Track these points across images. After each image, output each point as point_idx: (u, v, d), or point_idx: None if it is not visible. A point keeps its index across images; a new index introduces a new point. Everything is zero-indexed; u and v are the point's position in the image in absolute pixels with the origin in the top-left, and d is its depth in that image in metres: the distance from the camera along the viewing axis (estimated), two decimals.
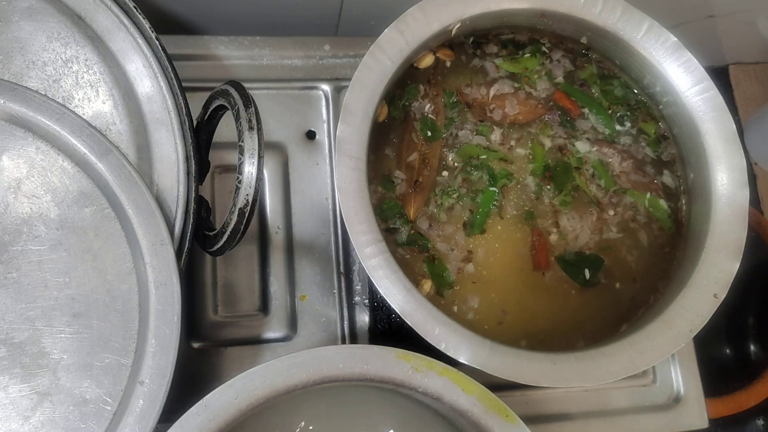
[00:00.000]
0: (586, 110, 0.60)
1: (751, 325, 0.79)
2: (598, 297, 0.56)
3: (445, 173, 0.57)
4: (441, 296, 0.54)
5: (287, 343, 0.62)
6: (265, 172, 0.65)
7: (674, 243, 0.58)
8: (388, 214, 0.55)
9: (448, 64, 0.59)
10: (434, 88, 0.58)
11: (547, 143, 0.59)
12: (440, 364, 0.47)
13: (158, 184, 0.49)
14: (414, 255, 0.55)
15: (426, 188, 0.56)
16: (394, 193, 0.56)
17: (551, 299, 0.56)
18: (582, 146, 0.59)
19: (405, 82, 0.58)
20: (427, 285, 0.53)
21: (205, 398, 0.44)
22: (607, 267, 0.57)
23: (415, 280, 0.53)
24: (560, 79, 0.61)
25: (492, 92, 0.59)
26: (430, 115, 0.58)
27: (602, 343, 0.51)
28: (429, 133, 0.57)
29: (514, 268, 0.56)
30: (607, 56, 0.61)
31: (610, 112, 0.60)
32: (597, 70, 0.61)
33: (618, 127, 0.60)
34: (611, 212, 0.58)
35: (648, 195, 0.58)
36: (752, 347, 0.78)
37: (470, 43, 0.60)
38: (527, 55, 0.60)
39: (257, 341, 0.62)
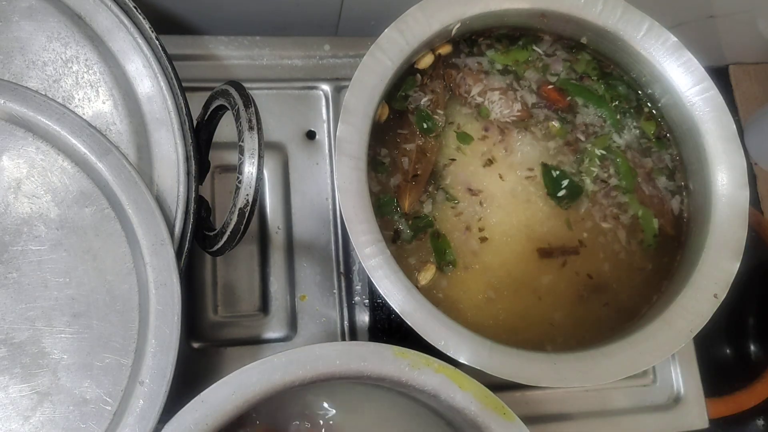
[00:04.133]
0: (581, 102, 0.60)
1: (751, 325, 0.79)
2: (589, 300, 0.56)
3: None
4: (441, 271, 0.54)
5: (287, 343, 0.62)
6: (265, 172, 0.65)
7: (671, 246, 0.58)
8: (384, 210, 0.55)
9: (442, 52, 0.59)
10: (434, 81, 0.58)
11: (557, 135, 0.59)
12: (437, 361, 0.47)
13: (158, 184, 0.49)
14: (419, 243, 0.55)
15: (422, 181, 0.56)
16: (385, 175, 0.56)
17: (551, 293, 0.56)
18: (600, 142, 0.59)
19: (404, 79, 0.58)
20: (431, 270, 0.53)
21: (201, 394, 0.44)
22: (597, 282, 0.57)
23: (420, 265, 0.53)
24: (558, 74, 0.61)
25: (481, 85, 0.59)
26: (426, 108, 0.58)
27: (601, 343, 0.51)
28: (425, 126, 0.57)
29: (519, 253, 0.56)
30: (607, 56, 0.61)
31: (613, 105, 0.60)
32: (591, 58, 0.61)
33: (618, 117, 0.60)
34: (604, 202, 0.58)
35: (641, 210, 0.58)
36: (752, 347, 0.78)
37: (465, 40, 0.60)
38: (518, 44, 0.60)
39: (257, 341, 0.62)
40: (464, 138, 0.57)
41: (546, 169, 0.58)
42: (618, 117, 0.60)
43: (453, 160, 0.57)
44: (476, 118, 0.58)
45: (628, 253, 0.57)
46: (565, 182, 0.58)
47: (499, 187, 0.57)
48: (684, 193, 0.59)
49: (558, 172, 0.58)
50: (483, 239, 0.55)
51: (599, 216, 0.58)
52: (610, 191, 0.58)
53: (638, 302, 0.56)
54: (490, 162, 0.57)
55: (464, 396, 0.47)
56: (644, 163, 0.59)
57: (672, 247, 0.58)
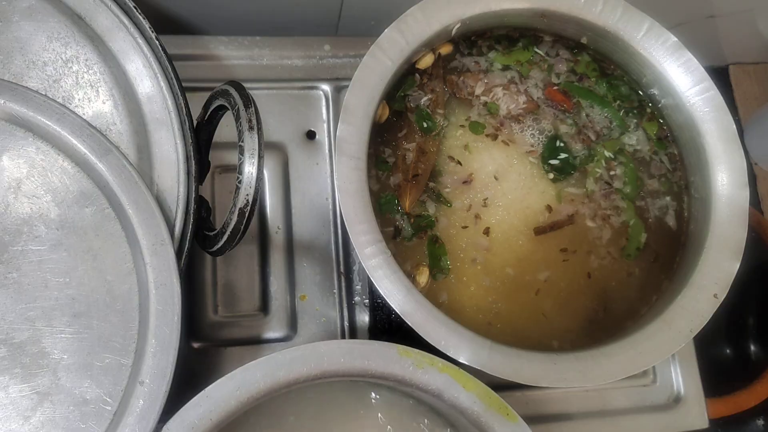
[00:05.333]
0: (585, 103, 0.60)
1: (751, 325, 0.78)
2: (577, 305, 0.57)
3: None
4: (434, 279, 0.54)
5: (287, 343, 0.62)
6: (265, 172, 0.65)
7: (648, 261, 0.58)
8: (385, 208, 0.55)
9: (442, 52, 0.59)
10: (433, 80, 0.58)
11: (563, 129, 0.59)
12: (441, 360, 0.47)
13: (158, 184, 0.49)
14: (417, 243, 0.55)
15: (422, 180, 0.56)
16: (386, 174, 0.56)
17: (544, 297, 0.56)
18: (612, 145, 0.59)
19: (404, 79, 0.58)
20: (425, 274, 0.53)
21: (206, 389, 0.44)
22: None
23: (413, 269, 0.53)
24: (560, 74, 0.61)
25: (483, 85, 0.59)
26: (426, 108, 0.58)
27: (601, 343, 0.51)
28: (425, 125, 0.57)
29: (519, 249, 0.56)
30: (608, 56, 0.61)
31: (616, 105, 0.60)
32: (590, 59, 0.61)
33: (622, 116, 0.60)
34: (602, 202, 0.58)
35: (634, 220, 0.58)
36: (752, 347, 0.78)
37: (464, 40, 0.60)
38: (519, 45, 0.60)
39: (257, 341, 0.62)
40: (476, 127, 0.58)
41: (552, 137, 0.58)
42: (622, 117, 0.60)
43: (459, 163, 0.57)
44: (485, 117, 0.58)
45: (611, 258, 0.57)
46: (563, 155, 0.58)
47: (506, 179, 0.57)
48: (684, 212, 0.59)
49: (562, 144, 0.58)
50: (486, 231, 0.55)
51: (589, 213, 0.58)
52: (610, 194, 0.58)
53: (638, 302, 0.56)
54: (494, 138, 0.58)
55: (468, 396, 0.47)
56: (650, 183, 0.59)
57: (648, 261, 0.57)
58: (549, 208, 0.57)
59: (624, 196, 0.58)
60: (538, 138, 0.59)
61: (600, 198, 0.58)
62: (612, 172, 0.59)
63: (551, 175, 0.58)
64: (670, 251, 0.58)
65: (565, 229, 0.57)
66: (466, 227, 0.56)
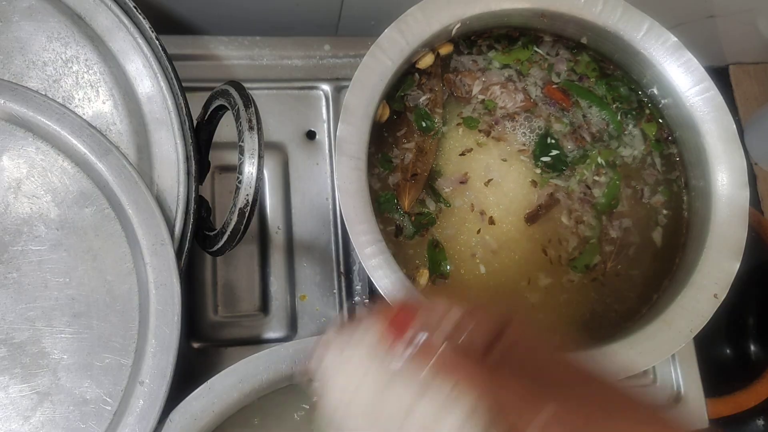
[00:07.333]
0: (584, 103, 0.60)
1: (751, 325, 0.78)
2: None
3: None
4: (434, 285, 0.54)
5: (287, 343, 0.62)
6: (265, 172, 0.65)
7: (673, 247, 0.58)
8: (385, 207, 0.55)
9: (442, 52, 0.59)
10: (432, 79, 0.58)
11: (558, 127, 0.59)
12: None
13: (158, 184, 0.49)
14: (418, 242, 0.55)
15: (421, 180, 0.56)
16: (387, 173, 0.56)
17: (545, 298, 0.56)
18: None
19: (404, 78, 0.58)
20: (425, 276, 0.53)
21: (209, 381, 0.44)
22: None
23: (413, 271, 0.53)
24: (561, 74, 0.61)
25: (480, 84, 0.59)
26: (424, 107, 0.58)
27: (601, 343, 0.51)
28: (423, 124, 0.57)
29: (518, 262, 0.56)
30: (608, 57, 0.61)
31: (614, 106, 0.60)
32: (590, 59, 0.61)
33: (619, 119, 0.60)
34: (577, 206, 0.58)
35: (595, 239, 0.58)
36: (752, 347, 0.78)
37: (464, 40, 0.60)
38: (519, 44, 0.60)
39: (257, 341, 0.62)
40: (470, 122, 0.58)
41: (543, 134, 0.58)
42: (619, 119, 0.60)
43: (462, 155, 0.57)
44: (480, 113, 0.58)
45: (560, 265, 0.57)
46: (555, 152, 0.58)
47: (501, 178, 0.57)
48: (684, 212, 0.59)
49: (553, 141, 0.58)
50: (483, 231, 0.55)
51: (566, 210, 0.58)
52: (585, 202, 0.58)
53: (638, 302, 0.56)
54: (487, 134, 0.58)
55: None
56: (645, 191, 0.59)
57: (646, 263, 0.58)
58: (534, 183, 0.57)
59: (595, 211, 0.58)
60: (530, 136, 0.59)
61: (576, 201, 0.58)
62: (596, 178, 0.59)
63: (539, 170, 0.58)
64: (658, 263, 0.58)
65: (554, 228, 0.57)
66: (465, 227, 0.56)
